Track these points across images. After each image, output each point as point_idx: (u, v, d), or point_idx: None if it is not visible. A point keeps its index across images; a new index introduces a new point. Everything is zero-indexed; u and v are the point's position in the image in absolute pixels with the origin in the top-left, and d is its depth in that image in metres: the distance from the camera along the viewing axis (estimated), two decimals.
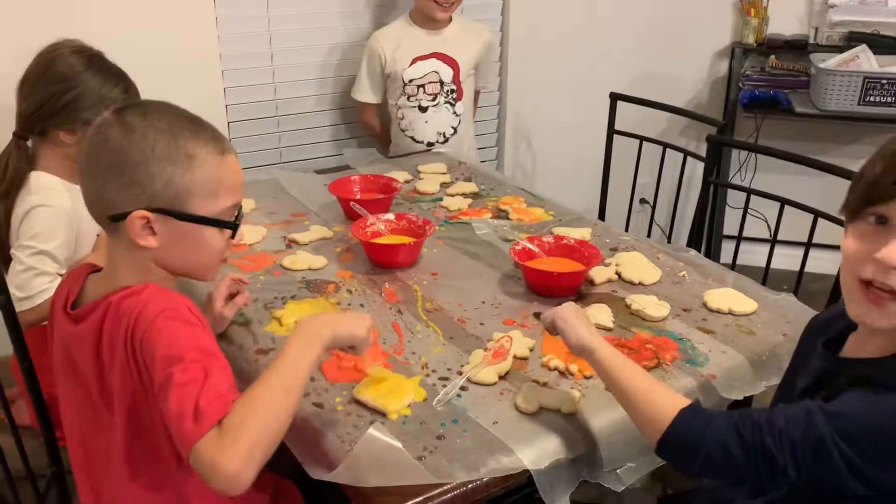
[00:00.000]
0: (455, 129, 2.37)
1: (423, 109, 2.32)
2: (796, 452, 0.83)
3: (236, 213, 1.07)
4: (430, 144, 2.35)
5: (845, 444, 0.80)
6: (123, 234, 1.00)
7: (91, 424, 1.07)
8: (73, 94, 1.44)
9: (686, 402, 0.94)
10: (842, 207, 0.91)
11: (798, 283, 1.73)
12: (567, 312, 1.11)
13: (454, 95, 2.35)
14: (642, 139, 2.22)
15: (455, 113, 2.36)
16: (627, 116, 2.31)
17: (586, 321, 1.10)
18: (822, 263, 1.95)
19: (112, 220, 1.00)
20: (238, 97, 2.31)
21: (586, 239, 1.59)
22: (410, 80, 2.29)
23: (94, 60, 1.48)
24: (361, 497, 0.98)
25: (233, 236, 1.07)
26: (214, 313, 1.32)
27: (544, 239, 1.54)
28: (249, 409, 0.89)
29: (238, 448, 0.85)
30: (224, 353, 1.28)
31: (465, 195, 1.92)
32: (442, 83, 2.32)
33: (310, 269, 1.55)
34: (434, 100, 2.32)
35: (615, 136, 2.30)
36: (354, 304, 1.41)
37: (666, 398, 0.96)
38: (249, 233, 1.69)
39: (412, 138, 2.35)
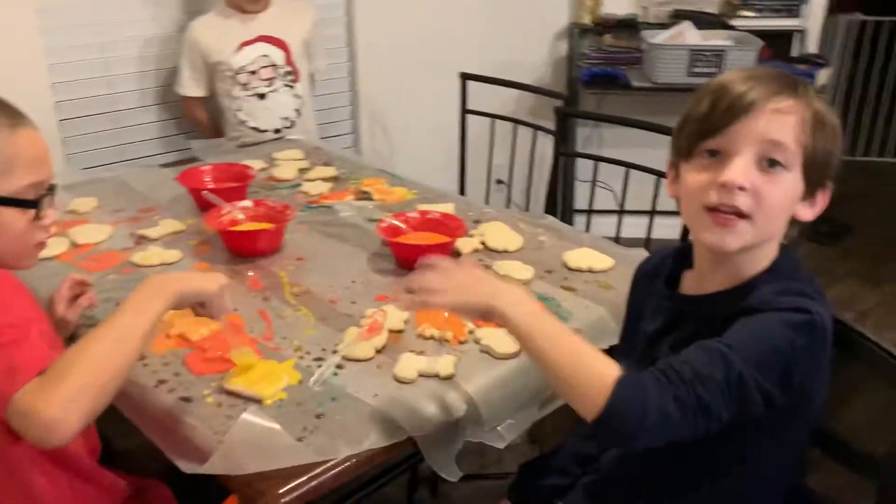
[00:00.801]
0: (299, 112, 2.30)
1: (262, 97, 2.23)
2: (725, 395, 0.80)
3: (43, 193, 0.99)
4: (276, 132, 2.26)
5: (756, 372, 0.81)
6: None
7: None
8: None
9: (613, 368, 0.83)
10: (672, 154, 0.96)
11: (646, 247, 1.84)
12: (449, 279, 0.94)
13: (291, 77, 2.27)
14: (494, 117, 2.27)
15: (296, 95, 2.29)
16: (480, 97, 2.36)
17: (478, 278, 0.95)
18: (666, 231, 2.08)
19: None
20: (68, 93, 2.14)
21: (450, 213, 1.61)
22: (241, 68, 2.19)
23: None
24: (241, 485, 0.94)
25: (38, 216, 0.99)
26: (56, 317, 1.22)
27: (409, 215, 1.53)
28: (76, 355, 0.85)
29: (61, 391, 0.80)
30: None
31: (324, 179, 1.88)
32: (275, 66, 2.23)
33: (163, 263, 1.46)
34: (271, 85, 2.23)
35: (468, 115, 2.34)
36: None
37: (593, 369, 0.83)
38: (93, 232, 1.57)
39: (255, 129, 2.25)
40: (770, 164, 0.87)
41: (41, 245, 1.03)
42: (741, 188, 0.86)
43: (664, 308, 1.02)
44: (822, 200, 0.92)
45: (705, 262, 0.98)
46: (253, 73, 2.21)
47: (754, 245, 0.91)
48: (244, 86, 2.21)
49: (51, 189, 1.01)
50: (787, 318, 0.83)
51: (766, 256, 0.93)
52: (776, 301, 0.86)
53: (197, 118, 2.31)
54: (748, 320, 0.85)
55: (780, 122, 0.86)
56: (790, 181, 0.88)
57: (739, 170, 0.86)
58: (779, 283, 0.90)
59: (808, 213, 0.91)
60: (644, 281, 1.11)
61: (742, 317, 0.86)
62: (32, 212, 0.98)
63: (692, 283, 1.01)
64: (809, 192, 0.90)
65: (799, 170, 0.87)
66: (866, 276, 3.02)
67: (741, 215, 0.87)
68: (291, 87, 2.27)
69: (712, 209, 0.89)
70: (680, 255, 1.04)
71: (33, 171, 0.97)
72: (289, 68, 2.26)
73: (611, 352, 1.35)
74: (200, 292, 1.01)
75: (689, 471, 0.96)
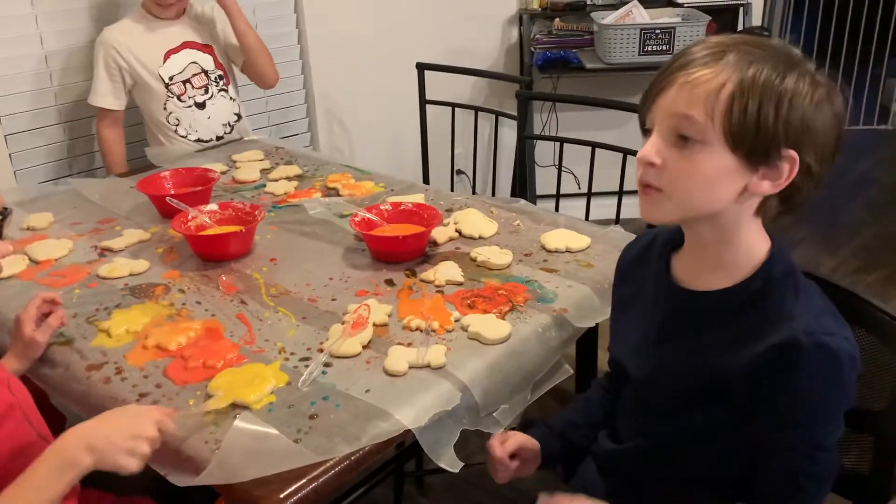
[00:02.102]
0: (238, 115, 2.21)
1: (201, 105, 2.12)
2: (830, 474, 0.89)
3: None
4: (219, 139, 2.16)
5: (836, 429, 0.87)
6: None
7: None
8: None
9: None
10: None
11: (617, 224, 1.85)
12: None
13: (224, 81, 2.17)
14: (454, 106, 2.25)
15: (231, 98, 2.19)
16: (434, 87, 2.34)
17: None
18: (635, 209, 2.10)
19: None
20: (10, 107, 2.05)
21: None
22: (171, 78, 2.07)
23: None
24: (238, 494, 0.91)
25: None
26: (25, 338, 1.17)
27: (382, 207, 1.51)
28: None
29: None
30: (48, 378, 1.16)
31: (289, 178, 1.85)
32: (206, 72, 2.13)
33: (131, 274, 1.41)
34: (206, 91, 2.13)
35: (427, 105, 2.32)
36: (190, 303, 1.31)
37: None
38: (53, 247, 1.51)
39: (199, 140, 2.12)
40: (682, 139, 0.85)
41: None
42: (651, 164, 0.86)
43: (662, 301, 0.99)
44: (787, 171, 0.83)
45: (690, 246, 0.97)
46: (186, 81, 2.10)
47: (683, 219, 0.91)
48: (179, 97, 2.08)
49: (4, 213, 0.96)
50: (835, 362, 0.83)
51: (751, 243, 0.90)
52: (812, 334, 0.83)
53: (106, 137, 2.09)
54: (795, 374, 0.84)
55: (688, 95, 0.83)
56: (707, 155, 0.83)
57: (648, 145, 0.87)
58: (792, 292, 0.88)
59: (765, 185, 0.85)
60: (629, 270, 1.08)
61: (779, 355, 0.84)
62: None
63: (685, 271, 0.97)
64: (752, 165, 0.83)
65: (722, 142, 0.82)
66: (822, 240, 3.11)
67: (657, 188, 0.88)
68: (226, 90, 2.18)
69: (638, 182, 0.90)
70: (666, 239, 1.01)
71: None
72: (219, 72, 2.16)
73: (593, 333, 1.38)
74: (116, 468, 0.89)
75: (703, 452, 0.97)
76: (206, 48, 2.14)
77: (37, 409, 1.05)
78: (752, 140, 0.82)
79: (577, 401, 1.18)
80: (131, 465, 0.90)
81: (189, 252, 1.47)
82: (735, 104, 0.82)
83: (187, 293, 1.34)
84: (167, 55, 2.07)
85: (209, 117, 2.14)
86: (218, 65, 2.16)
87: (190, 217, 1.50)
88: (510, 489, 1.16)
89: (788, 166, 0.84)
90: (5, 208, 0.97)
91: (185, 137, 2.11)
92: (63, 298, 1.27)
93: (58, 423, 1.33)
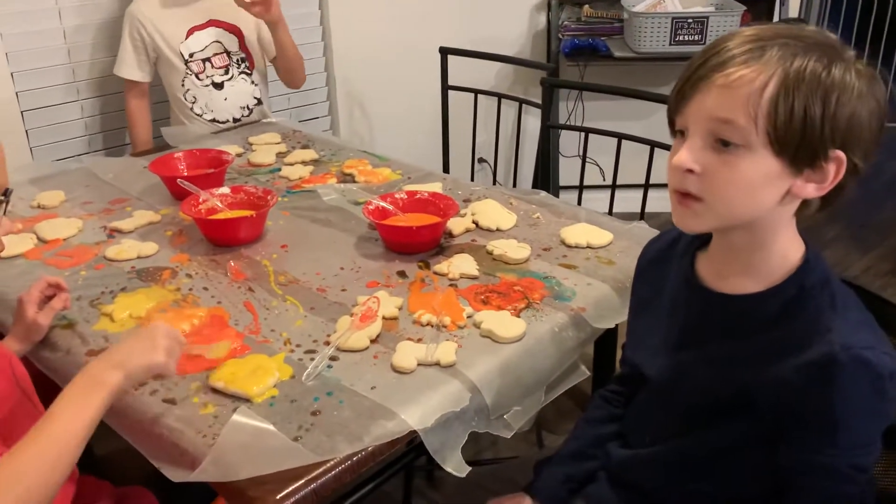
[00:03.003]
0: (258, 100, 2.13)
1: (219, 86, 2.06)
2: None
3: None
4: (236, 120, 2.11)
5: (874, 449, 0.82)
6: None
7: None
8: None
9: None
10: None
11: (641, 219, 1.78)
12: None
13: (247, 64, 2.11)
14: (477, 92, 2.20)
15: (253, 82, 2.12)
16: (457, 73, 2.28)
17: None
18: (661, 203, 2.03)
19: None
20: (30, 83, 2.03)
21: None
22: (192, 55, 2.01)
23: None
24: (232, 492, 0.87)
25: None
26: (27, 320, 1.14)
27: (397, 196, 1.46)
28: (7, 483, 0.77)
29: None
30: (49, 361, 1.13)
31: (304, 163, 1.80)
32: (229, 53, 2.07)
33: (139, 256, 1.38)
34: (227, 72, 2.06)
35: (450, 91, 2.27)
36: (197, 288, 1.27)
37: None
38: (62, 227, 1.48)
39: (214, 120, 2.08)
40: (723, 143, 0.79)
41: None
42: (689, 170, 0.80)
43: (685, 302, 0.93)
44: (833, 172, 0.78)
45: (719, 248, 0.91)
46: (206, 60, 2.04)
47: (722, 227, 0.85)
48: (198, 74, 2.04)
49: (6, 194, 0.93)
50: (875, 377, 0.77)
51: (786, 248, 0.85)
52: (850, 348, 0.77)
53: (134, 109, 2.06)
54: (832, 392, 0.78)
55: (728, 98, 0.77)
56: (750, 160, 0.78)
57: (684, 151, 0.81)
58: (828, 303, 0.82)
59: (809, 189, 0.79)
60: (651, 268, 1.03)
61: (814, 371, 0.78)
62: None
63: (711, 271, 0.92)
64: (797, 168, 0.78)
65: (766, 146, 0.77)
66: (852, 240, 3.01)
67: (696, 197, 0.81)
68: (249, 74, 2.11)
69: (674, 191, 0.84)
70: (690, 238, 0.95)
71: None
72: (243, 54, 2.10)
73: (612, 334, 1.33)
74: (149, 368, 0.93)
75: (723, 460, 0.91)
76: (233, 28, 2.08)
77: (36, 396, 1.03)
78: (798, 143, 0.76)
79: (576, 428, 1.12)
80: (159, 357, 0.92)
81: (199, 236, 1.44)
82: (780, 105, 0.75)
83: (194, 278, 1.31)
84: (191, 31, 2.02)
85: (226, 98, 2.08)
86: (244, 48, 2.10)
87: (201, 200, 1.46)
88: (517, 486, 1.11)
89: (835, 167, 0.78)
90: (7, 189, 0.94)
91: (200, 116, 2.07)
92: (68, 280, 1.24)
93: None
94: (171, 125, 2.10)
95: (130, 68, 2.02)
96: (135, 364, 0.91)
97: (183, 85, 2.04)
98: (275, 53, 2.14)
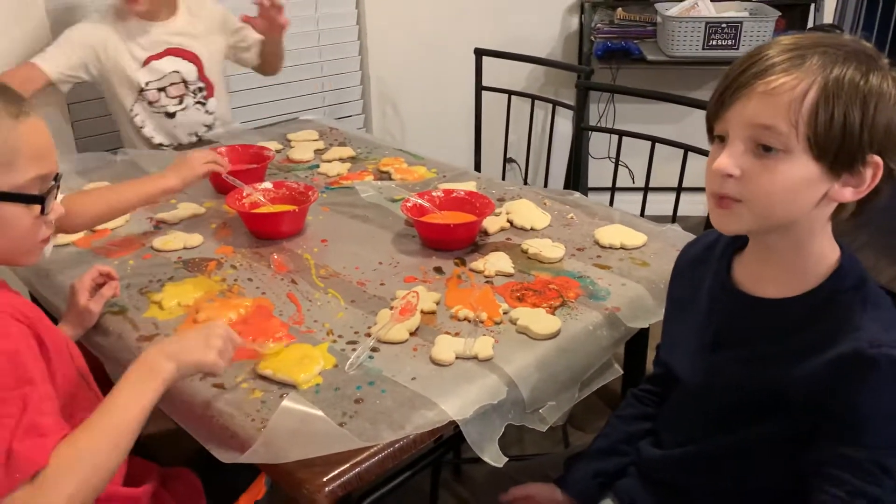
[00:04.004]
0: (209, 127, 2.06)
1: (171, 115, 1.98)
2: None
3: (49, 185, 0.94)
4: (180, 146, 2.01)
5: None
6: None
7: None
8: None
9: None
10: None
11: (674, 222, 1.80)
12: None
13: (203, 94, 2.02)
14: (510, 93, 2.22)
15: (207, 111, 2.04)
16: (489, 73, 2.31)
17: None
18: (692, 206, 2.04)
19: None
20: None
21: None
22: (147, 84, 1.93)
23: None
24: (282, 474, 0.91)
25: (43, 212, 0.94)
26: (79, 307, 1.19)
27: (434, 194, 1.50)
28: (70, 465, 0.80)
29: (54, 501, 0.78)
30: (101, 346, 1.18)
31: (342, 160, 1.85)
32: (186, 82, 1.98)
33: (185, 248, 1.43)
34: (181, 102, 1.98)
35: (483, 92, 2.30)
36: (242, 279, 1.32)
37: None
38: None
39: (160, 144, 2.00)
40: (764, 149, 0.81)
41: (46, 240, 0.98)
42: (729, 175, 0.83)
43: (720, 305, 0.95)
44: (870, 177, 0.80)
45: (755, 251, 0.93)
46: (161, 90, 1.96)
47: (760, 229, 0.87)
48: (151, 103, 1.96)
49: (56, 179, 0.97)
50: None
51: (821, 251, 0.87)
52: (879, 346, 0.79)
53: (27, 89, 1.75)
54: (860, 387, 0.80)
55: (769, 104, 0.79)
56: (790, 164, 0.80)
57: (724, 156, 0.83)
58: (860, 304, 0.84)
59: (846, 193, 0.82)
60: (688, 270, 1.05)
61: (842, 368, 0.80)
62: (38, 207, 0.93)
63: (747, 275, 0.94)
64: (835, 172, 0.80)
65: (805, 151, 0.79)
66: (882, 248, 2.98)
67: (735, 199, 0.84)
68: (203, 103, 2.03)
69: (712, 194, 0.86)
70: (728, 240, 0.98)
71: (38, 163, 0.92)
72: (201, 84, 2.01)
73: (644, 334, 1.35)
74: (198, 367, 0.96)
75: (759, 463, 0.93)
76: (192, 57, 1.98)
77: (90, 375, 1.07)
78: (837, 148, 0.79)
79: (608, 424, 1.15)
80: (210, 357, 0.95)
81: (242, 229, 1.48)
82: (820, 112, 0.78)
83: (239, 269, 1.35)
84: (148, 60, 1.93)
85: (175, 126, 2.00)
86: (203, 77, 2.01)
87: (245, 194, 1.51)
88: (547, 480, 1.13)
89: (872, 172, 0.81)
90: (57, 174, 0.98)
91: (147, 140, 2.00)
92: (117, 268, 1.29)
93: None
94: (121, 140, 2.04)
95: (49, 63, 1.82)
96: (186, 359, 0.94)
97: (132, 110, 1.97)
98: (258, 62, 2.11)
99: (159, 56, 1.95)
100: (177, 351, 0.94)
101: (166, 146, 2.01)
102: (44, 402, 0.83)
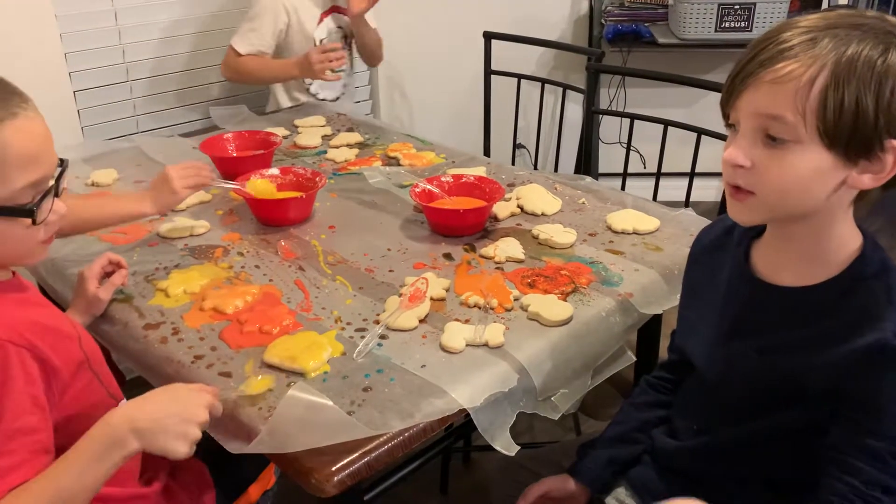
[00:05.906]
0: (345, 86, 2.27)
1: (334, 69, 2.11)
2: None
3: (45, 188, 0.89)
4: (335, 100, 2.22)
5: None
6: None
7: None
8: None
9: None
10: None
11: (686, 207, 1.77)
12: None
13: (352, 48, 2.24)
14: (520, 77, 2.19)
15: (351, 64, 2.24)
16: (500, 58, 2.27)
17: None
18: (704, 192, 2.01)
19: None
20: (82, 63, 2.07)
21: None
22: (321, 41, 2.10)
23: None
24: (290, 463, 0.90)
25: (35, 223, 0.87)
26: (88, 295, 1.18)
27: (443, 179, 1.47)
28: None
29: None
30: (108, 334, 1.17)
31: (349, 146, 1.82)
32: (346, 37, 2.18)
33: (191, 235, 1.41)
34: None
35: (492, 76, 2.27)
36: (249, 266, 1.30)
37: None
38: None
39: (324, 99, 2.20)
40: (773, 139, 0.78)
41: (49, 240, 0.94)
42: (739, 166, 0.80)
43: (738, 292, 0.93)
44: (891, 163, 0.76)
45: (774, 238, 0.90)
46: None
47: (776, 220, 0.85)
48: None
49: (62, 165, 0.93)
50: None
51: (842, 238, 0.84)
52: None
53: (248, 63, 2.04)
54: (880, 378, 0.78)
55: (776, 93, 0.76)
56: (800, 154, 0.77)
57: (734, 147, 0.81)
58: (884, 292, 0.81)
59: (865, 180, 0.78)
60: (705, 257, 1.02)
61: (865, 359, 0.78)
62: (28, 220, 0.87)
63: (766, 263, 0.91)
64: (851, 159, 0.77)
65: (816, 140, 0.76)
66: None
67: (748, 191, 0.81)
68: (351, 54, 2.24)
69: (727, 184, 0.84)
70: (746, 227, 0.95)
71: (27, 170, 0.85)
72: (351, 39, 2.22)
73: (657, 320, 1.32)
74: (165, 453, 0.86)
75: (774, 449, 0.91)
76: (346, 12, 2.14)
77: (106, 366, 1.05)
78: (850, 135, 0.75)
79: (621, 411, 1.13)
80: (181, 450, 0.86)
81: (249, 215, 1.47)
82: (829, 99, 0.74)
83: (246, 256, 1.34)
84: (322, 16, 2.10)
85: (338, 79, 2.17)
86: (352, 31, 2.19)
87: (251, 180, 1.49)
88: (559, 469, 1.12)
89: (892, 157, 0.77)
90: (63, 160, 0.95)
91: (313, 95, 2.16)
92: (123, 256, 1.27)
93: (119, 382, 1.34)
94: (268, 101, 2.19)
95: (254, 47, 2.02)
96: (154, 443, 0.85)
97: None
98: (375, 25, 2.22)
99: (328, 12, 2.12)
100: (147, 429, 0.84)
101: (330, 100, 2.18)
102: (11, 440, 0.79)
